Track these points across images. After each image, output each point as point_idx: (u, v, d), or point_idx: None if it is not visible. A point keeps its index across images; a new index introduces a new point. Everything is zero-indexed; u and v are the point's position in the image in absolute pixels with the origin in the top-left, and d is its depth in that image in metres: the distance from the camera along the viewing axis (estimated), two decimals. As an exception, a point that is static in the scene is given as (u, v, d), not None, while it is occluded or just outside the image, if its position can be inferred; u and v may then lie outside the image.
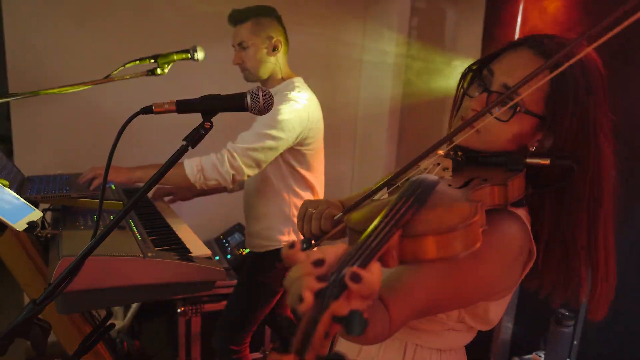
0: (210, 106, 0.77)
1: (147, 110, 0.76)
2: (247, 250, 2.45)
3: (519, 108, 0.71)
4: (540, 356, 1.68)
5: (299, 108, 1.60)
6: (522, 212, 0.75)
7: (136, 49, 2.51)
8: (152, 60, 1.51)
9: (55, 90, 1.36)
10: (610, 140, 0.74)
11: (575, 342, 1.94)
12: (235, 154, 1.54)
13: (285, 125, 1.56)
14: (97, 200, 1.37)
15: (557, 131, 0.72)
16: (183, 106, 0.77)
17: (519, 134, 0.74)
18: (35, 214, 1.13)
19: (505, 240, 0.70)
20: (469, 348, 0.94)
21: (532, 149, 0.75)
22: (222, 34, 2.80)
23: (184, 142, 0.77)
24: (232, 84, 2.87)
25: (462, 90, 0.82)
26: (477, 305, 0.77)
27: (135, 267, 1.07)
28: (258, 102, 0.79)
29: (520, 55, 0.74)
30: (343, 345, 0.94)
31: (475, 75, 0.80)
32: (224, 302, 2.40)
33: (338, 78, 2.16)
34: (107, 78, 1.36)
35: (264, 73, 1.68)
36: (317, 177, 1.76)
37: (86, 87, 1.37)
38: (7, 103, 2.35)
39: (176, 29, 2.63)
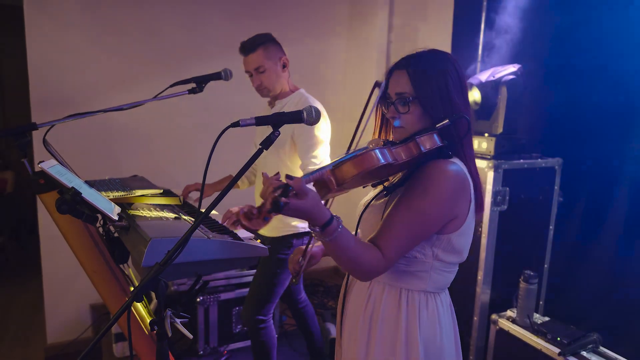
0: (278, 120, 1.08)
1: (235, 124, 1.05)
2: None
3: (406, 99, 1.10)
4: (513, 311, 2.06)
5: (323, 116, 1.93)
6: (457, 160, 1.09)
7: (149, 66, 2.77)
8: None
9: (107, 109, 1.62)
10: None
11: (541, 302, 2.34)
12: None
13: (326, 131, 1.94)
14: (155, 197, 1.64)
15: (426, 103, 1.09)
16: (260, 120, 1.07)
17: (419, 117, 1.11)
18: (117, 208, 1.39)
19: (442, 178, 1.04)
20: (457, 311, 1.23)
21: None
22: (223, 51, 3.06)
23: (260, 146, 1.07)
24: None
25: (380, 117, 1.24)
26: (441, 240, 1.08)
27: (203, 245, 1.35)
28: (311, 116, 1.10)
29: (396, 74, 1.13)
30: (355, 291, 1.24)
31: (382, 103, 1.20)
32: (238, 291, 2.67)
33: (323, 91, 2.45)
34: (156, 97, 1.62)
35: (278, 88, 2.00)
36: None
37: (134, 107, 1.63)
38: (29, 114, 2.55)
39: (183, 47, 2.89)
